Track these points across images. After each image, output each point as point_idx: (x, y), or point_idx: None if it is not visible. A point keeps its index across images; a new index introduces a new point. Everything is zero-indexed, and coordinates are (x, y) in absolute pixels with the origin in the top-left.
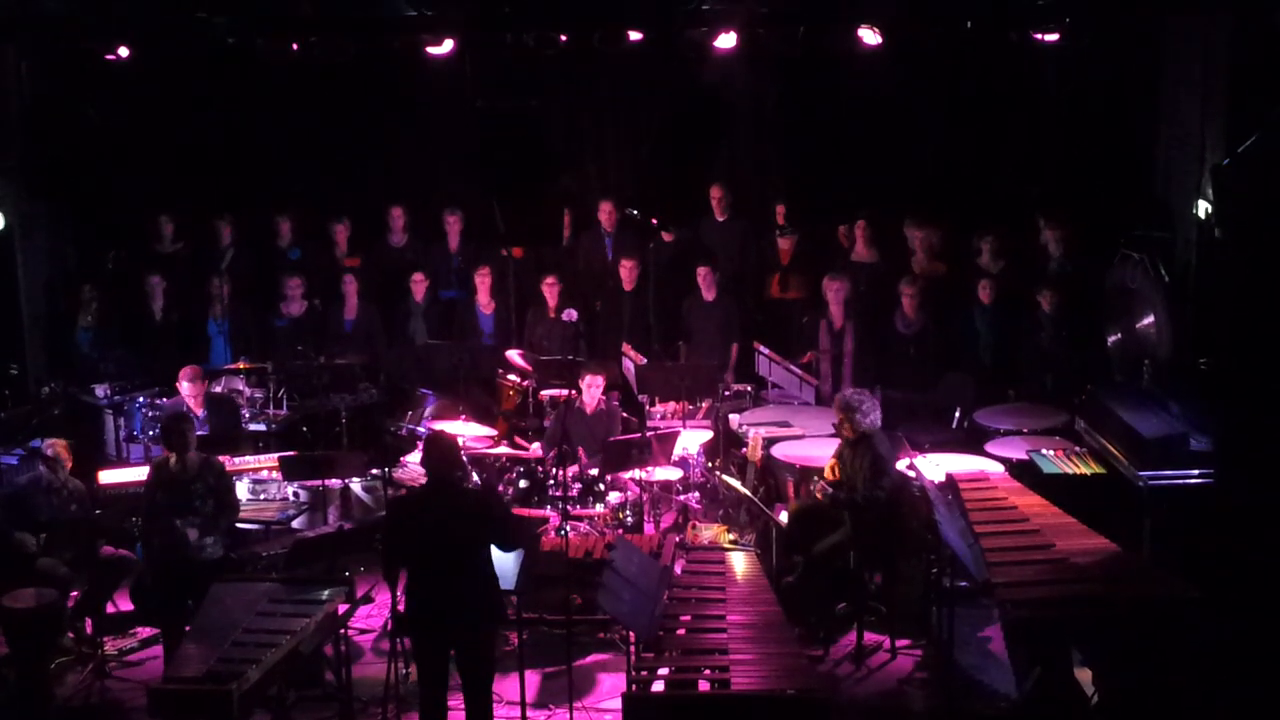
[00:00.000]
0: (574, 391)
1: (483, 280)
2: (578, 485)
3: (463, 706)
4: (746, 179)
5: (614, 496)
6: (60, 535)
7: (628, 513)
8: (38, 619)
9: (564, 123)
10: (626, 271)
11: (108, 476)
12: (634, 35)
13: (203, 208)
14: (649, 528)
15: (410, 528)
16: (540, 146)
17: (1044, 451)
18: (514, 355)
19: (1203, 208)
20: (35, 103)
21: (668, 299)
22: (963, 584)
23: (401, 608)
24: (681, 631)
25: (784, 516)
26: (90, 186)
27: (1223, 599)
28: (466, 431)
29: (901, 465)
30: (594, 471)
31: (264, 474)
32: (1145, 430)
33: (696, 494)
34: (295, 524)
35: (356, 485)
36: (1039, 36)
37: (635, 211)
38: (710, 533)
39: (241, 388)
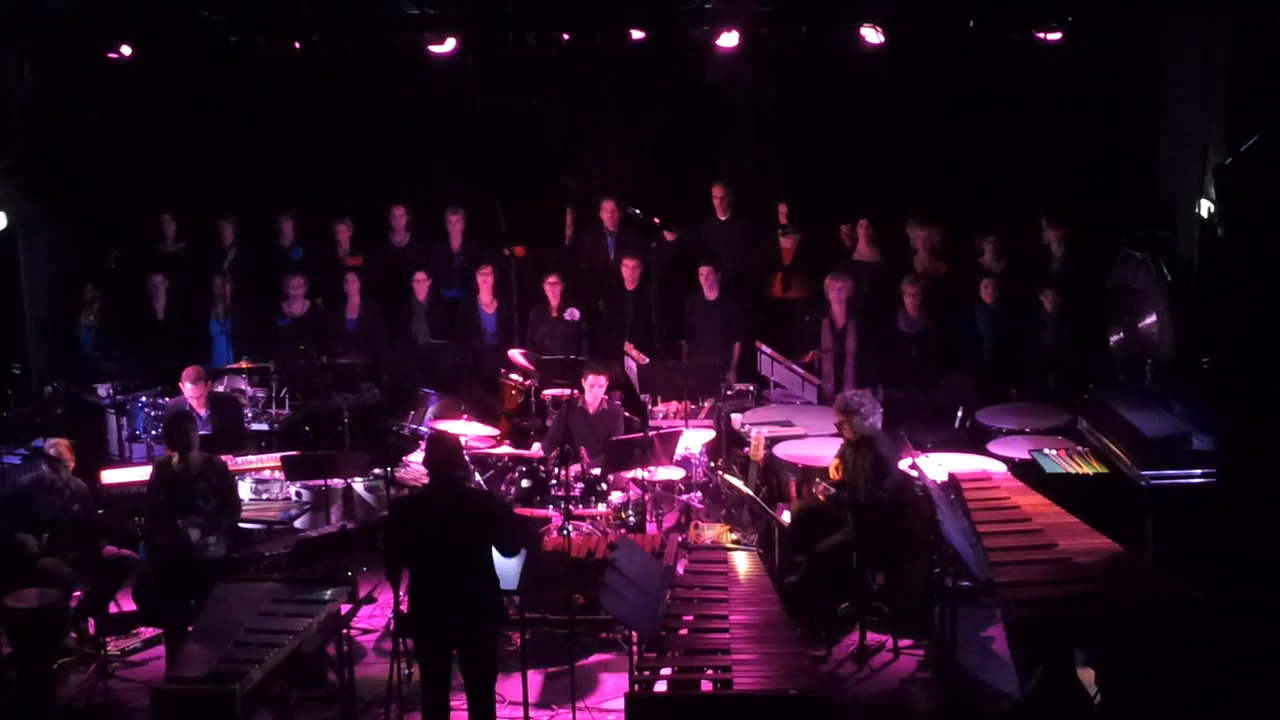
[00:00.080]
0: (576, 391)
1: (485, 280)
2: (580, 485)
3: (465, 707)
4: (748, 178)
5: (616, 496)
6: (63, 535)
7: (630, 512)
8: (40, 619)
9: (566, 122)
10: (629, 271)
11: (110, 476)
12: (636, 34)
13: (205, 207)
14: (651, 527)
15: (413, 528)
16: (542, 146)
17: (1046, 451)
18: (516, 355)
19: (1205, 207)
20: (37, 102)
21: (670, 298)
22: (965, 584)
23: (404, 608)
24: (684, 631)
25: (786, 516)
26: (92, 186)
27: (1225, 599)
28: (469, 431)
29: (904, 465)
30: (596, 471)
31: (266, 474)
32: (1148, 430)
33: (699, 494)
34: (298, 524)
35: (359, 485)
36: (1041, 36)
37: (637, 211)
38: (713, 532)
39: (244, 387)
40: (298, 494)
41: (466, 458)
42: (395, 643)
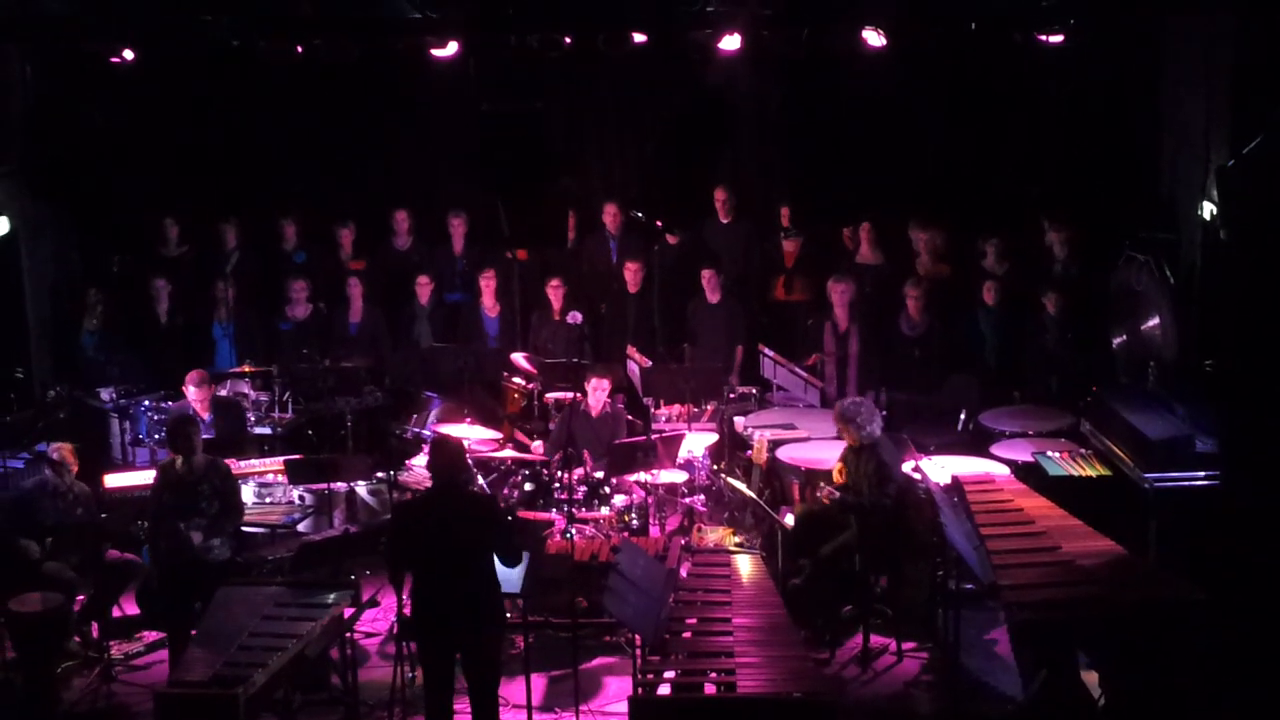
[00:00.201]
0: (579, 394)
1: (487, 283)
2: (583, 488)
3: (469, 710)
4: (751, 181)
5: (619, 499)
6: (66, 539)
7: (633, 515)
8: (44, 623)
9: (568, 125)
10: (631, 274)
11: (113, 480)
12: (638, 37)
13: (207, 211)
14: (654, 531)
15: (415, 531)
16: (544, 149)
17: (1049, 453)
18: (519, 358)
19: (1207, 209)
20: (38, 104)
21: (672, 301)
22: (968, 586)
23: (407, 611)
24: (687, 634)
25: (789, 519)
26: (93, 189)
27: (1228, 601)
28: (471, 435)
29: (907, 468)
30: (599, 474)
31: (269, 477)
32: (1151, 432)
33: (702, 497)
34: (301, 527)
35: (362, 488)
36: (1042, 38)
37: (640, 214)
38: (716, 535)
39: (247, 391)
40: (300, 498)
41: (469, 461)
42: (398, 646)
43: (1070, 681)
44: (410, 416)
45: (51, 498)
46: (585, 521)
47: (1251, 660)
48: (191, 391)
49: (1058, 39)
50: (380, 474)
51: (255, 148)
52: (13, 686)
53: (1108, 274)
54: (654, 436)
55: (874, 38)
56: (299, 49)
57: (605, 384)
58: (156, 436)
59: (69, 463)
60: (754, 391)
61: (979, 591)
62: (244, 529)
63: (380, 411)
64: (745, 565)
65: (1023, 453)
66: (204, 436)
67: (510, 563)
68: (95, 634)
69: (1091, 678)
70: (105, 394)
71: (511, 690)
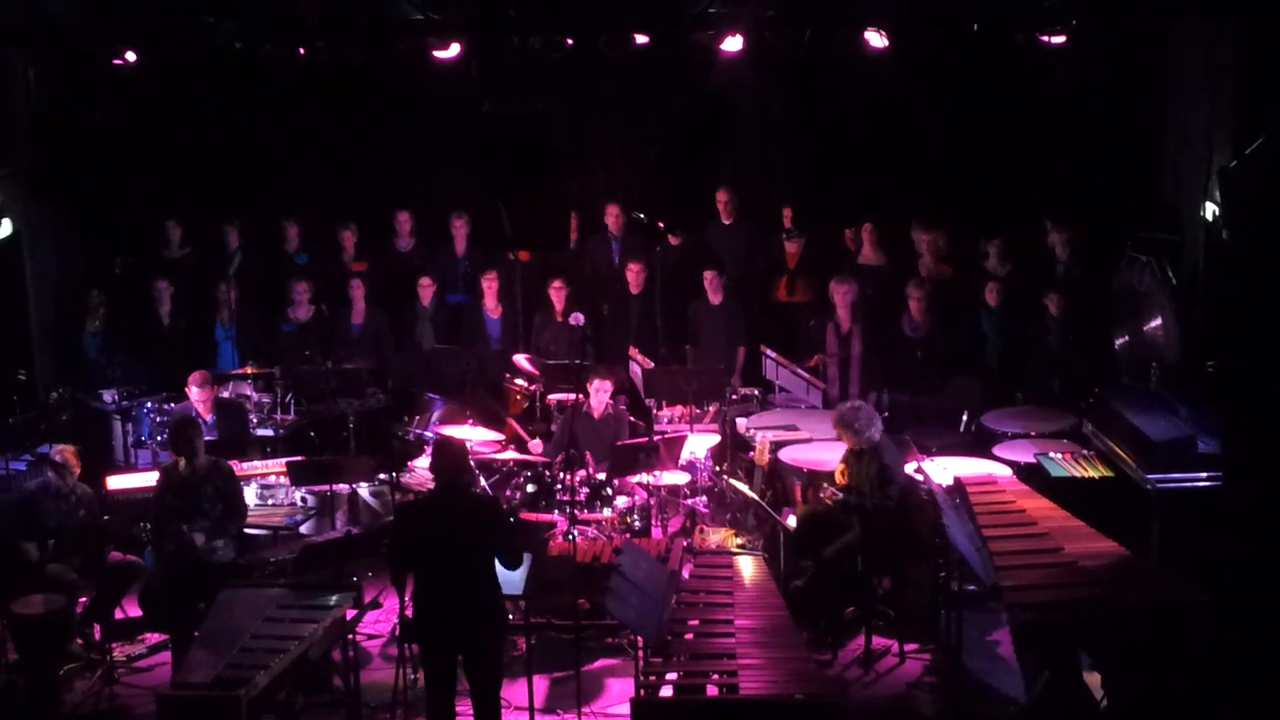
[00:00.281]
0: (581, 396)
1: (489, 284)
2: (585, 490)
3: (471, 712)
4: (753, 182)
5: (621, 501)
6: (68, 541)
7: (635, 517)
8: (46, 625)
9: (570, 126)
10: (633, 275)
11: (116, 482)
12: (640, 38)
13: (209, 212)
14: (656, 532)
15: (418, 533)
16: (546, 150)
17: (1052, 455)
18: (521, 360)
19: (1210, 210)
20: (41, 107)
21: (674, 303)
22: (971, 588)
23: (409, 613)
24: (689, 636)
25: (791, 520)
26: (96, 190)
27: (1231, 602)
28: (474, 436)
29: (909, 469)
30: (601, 476)
31: (272, 479)
32: (1153, 433)
33: (704, 498)
34: (303, 529)
35: (364, 490)
36: (1044, 39)
37: (642, 215)
38: (718, 537)
39: (249, 393)
40: (303, 499)
41: (472, 463)
42: (401, 648)
43: (1073, 683)
44: (412, 418)
45: (54, 500)
46: (587, 523)
47: (1254, 661)
48: (194, 393)
49: (1060, 40)
50: (382, 476)
51: (257, 149)
52: (15, 689)
53: (1110, 275)
54: (656, 438)
55: (876, 39)
56: (302, 52)
57: (607, 385)
58: (159, 438)
59: (71, 465)
60: (756, 393)
61: (981, 593)
62: (246, 531)
63: (382, 413)
64: (747, 567)
65: (1025, 454)
66: (206, 438)
67: (512, 565)
68: (97, 636)
69: (1094, 679)
70: (108, 396)
71: (513, 692)
